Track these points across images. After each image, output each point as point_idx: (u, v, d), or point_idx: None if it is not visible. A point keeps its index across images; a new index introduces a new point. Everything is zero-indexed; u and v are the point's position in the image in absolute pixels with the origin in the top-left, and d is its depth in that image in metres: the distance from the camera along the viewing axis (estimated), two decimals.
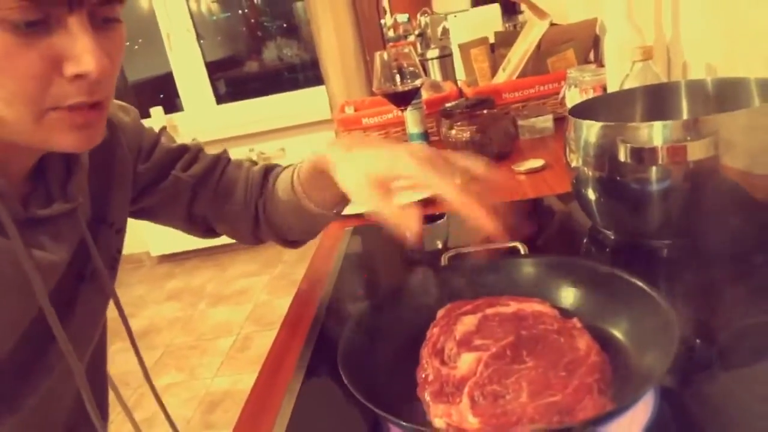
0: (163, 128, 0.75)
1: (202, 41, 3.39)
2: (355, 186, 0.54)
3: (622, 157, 0.61)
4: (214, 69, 3.44)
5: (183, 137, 3.46)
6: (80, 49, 0.45)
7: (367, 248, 0.90)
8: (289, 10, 3.58)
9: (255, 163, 0.79)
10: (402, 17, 2.82)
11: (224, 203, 0.75)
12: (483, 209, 0.47)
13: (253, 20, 3.64)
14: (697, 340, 0.52)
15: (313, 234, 0.80)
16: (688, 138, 0.58)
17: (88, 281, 0.61)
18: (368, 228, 0.94)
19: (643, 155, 0.60)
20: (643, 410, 0.41)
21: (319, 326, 0.66)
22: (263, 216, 0.76)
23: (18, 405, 0.56)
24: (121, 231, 0.68)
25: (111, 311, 0.66)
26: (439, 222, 0.87)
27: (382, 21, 3.18)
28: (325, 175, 0.61)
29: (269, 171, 0.76)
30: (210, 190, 0.75)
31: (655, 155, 0.58)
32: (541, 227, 0.84)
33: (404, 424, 0.39)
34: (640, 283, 0.48)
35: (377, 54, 1.19)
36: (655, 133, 0.59)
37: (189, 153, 0.74)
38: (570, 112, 0.72)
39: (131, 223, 0.71)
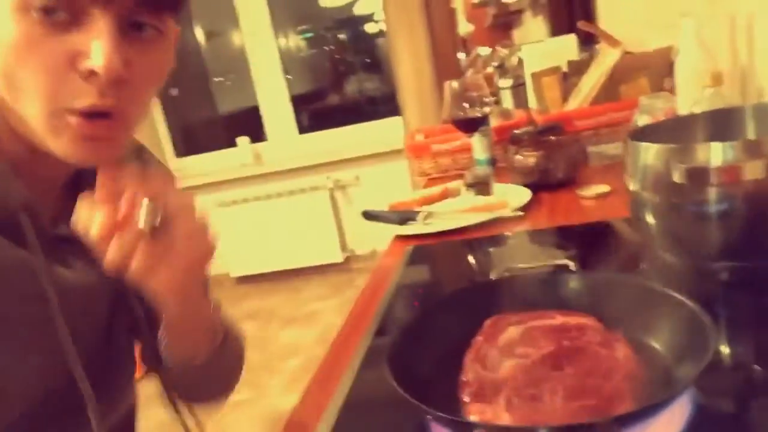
0: None
1: (288, 77, 3.59)
2: None
3: (676, 178, 0.61)
4: (298, 102, 3.63)
5: (267, 164, 3.59)
6: (94, 45, 0.44)
7: (425, 265, 0.93)
8: (371, 47, 3.73)
9: None
10: (484, 50, 2.87)
11: None
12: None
13: (337, 56, 3.82)
14: (755, 366, 0.51)
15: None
16: (745, 159, 0.57)
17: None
18: (428, 247, 0.97)
19: (697, 176, 0.59)
20: (675, 420, 0.41)
21: (372, 337, 0.70)
22: None
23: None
24: None
25: None
26: (499, 247, 0.89)
27: (459, 55, 3.25)
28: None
29: None
30: None
31: (710, 176, 0.58)
32: (601, 250, 0.84)
33: (440, 415, 0.41)
34: (681, 299, 0.48)
35: (447, 83, 1.23)
36: (712, 154, 0.59)
37: None
38: (629, 135, 0.72)
39: None
